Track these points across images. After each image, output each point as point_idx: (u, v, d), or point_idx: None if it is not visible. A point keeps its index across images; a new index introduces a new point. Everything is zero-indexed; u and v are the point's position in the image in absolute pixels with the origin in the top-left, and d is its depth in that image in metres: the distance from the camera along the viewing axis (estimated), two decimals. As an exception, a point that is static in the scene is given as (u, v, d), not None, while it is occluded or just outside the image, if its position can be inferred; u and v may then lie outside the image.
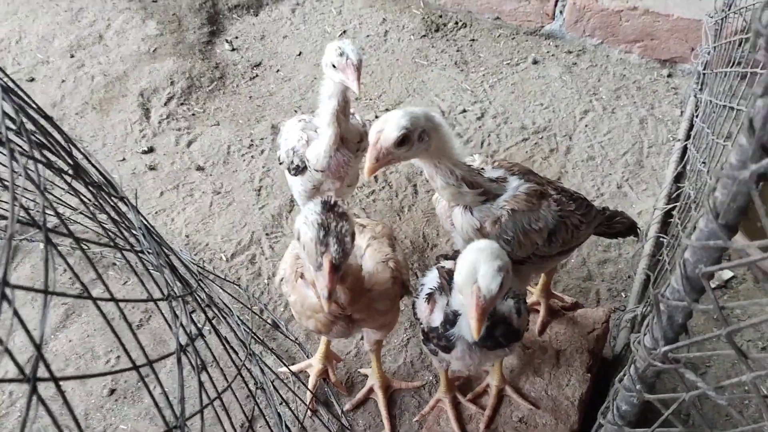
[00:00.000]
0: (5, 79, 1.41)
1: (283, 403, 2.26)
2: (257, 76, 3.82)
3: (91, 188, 1.46)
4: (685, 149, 3.06)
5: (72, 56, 3.84)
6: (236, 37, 4.07)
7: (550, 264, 2.13)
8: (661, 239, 2.61)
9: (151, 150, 3.33)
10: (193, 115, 3.55)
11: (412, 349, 2.49)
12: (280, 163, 2.44)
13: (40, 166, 1.21)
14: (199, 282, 1.89)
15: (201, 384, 1.39)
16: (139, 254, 1.56)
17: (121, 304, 2.40)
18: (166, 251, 1.79)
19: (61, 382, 2.30)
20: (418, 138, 1.63)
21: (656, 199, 2.93)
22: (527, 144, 3.30)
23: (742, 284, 2.66)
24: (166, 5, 4.18)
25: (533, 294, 2.40)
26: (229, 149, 3.34)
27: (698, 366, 2.39)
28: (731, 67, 2.50)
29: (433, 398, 2.18)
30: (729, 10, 2.90)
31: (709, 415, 2.21)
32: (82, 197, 1.44)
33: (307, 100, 3.62)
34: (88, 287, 2.75)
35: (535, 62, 3.77)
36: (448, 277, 1.64)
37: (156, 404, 1.18)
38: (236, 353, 1.80)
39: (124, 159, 3.29)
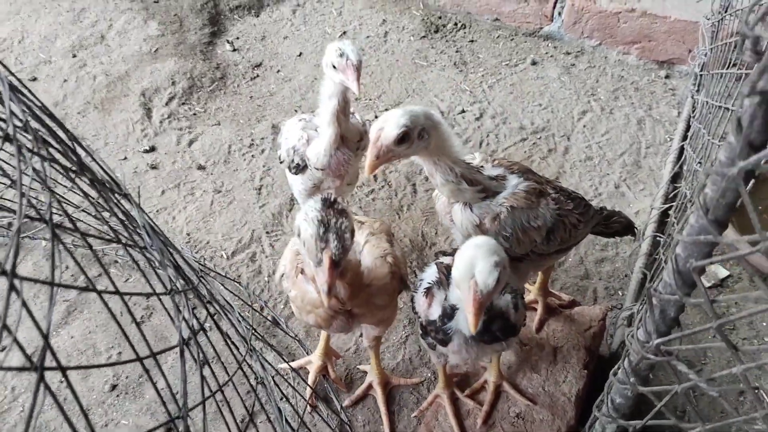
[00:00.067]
0: (10, 78, 1.44)
1: (284, 399, 2.29)
2: (258, 76, 3.85)
3: (95, 185, 1.49)
4: (682, 150, 3.08)
5: (74, 56, 3.87)
6: (237, 38, 4.09)
7: (548, 262, 2.16)
8: (657, 238, 2.64)
9: (152, 149, 3.36)
10: (194, 114, 3.57)
11: (411, 346, 2.52)
12: (281, 162, 2.47)
13: (45, 162, 1.24)
14: (201, 278, 1.92)
15: (203, 377, 1.41)
16: (143, 250, 1.58)
17: (121, 303, 2.44)
18: (169, 248, 1.81)
19: (62, 379, 2.33)
20: (417, 136, 1.65)
21: (653, 198, 2.96)
22: (526, 144, 3.33)
23: (737, 283, 2.68)
24: (168, 6, 4.21)
25: (531, 292, 2.42)
26: (229, 148, 3.37)
27: (694, 363, 2.41)
28: (727, 68, 2.53)
29: (431, 394, 2.20)
30: (725, 12, 2.93)
31: (705, 412, 2.23)
32: (87, 194, 1.46)
33: (308, 100, 3.64)
34: (86, 291, 2.78)
35: (533, 63, 3.80)
36: (446, 272, 1.66)
37: (159, 395, 1.21)
38: (237, 348, 1.82)
39: (125, 158, 3.31)
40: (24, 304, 0.96)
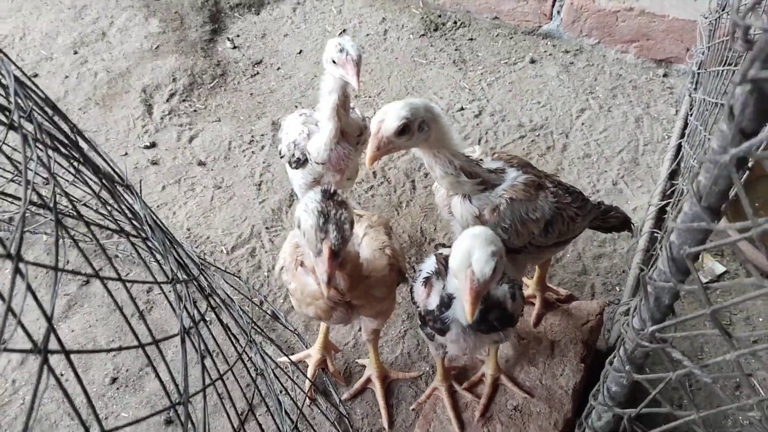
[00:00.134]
0: (15, 71, 1.46)
1: (283, 392, 2.30)
2: (258, 73, 3.87)
3: (98, 176, 1.50)
4: (679, 147, 3.10)
5: (75, 53, 3.88)
6: (238, 36, 4.11)
7: (546, 255, 2.17)
8: (655, 234, 2.66)
9: (153, 145, 3.38)
10: (195, 111, 3.59)
11: (409, 340, 2.53)
12: (281, 157, 2.48)
13: (49, 151, 1.25)
14: (202, 271, 1.93)
15: (203, 365, 1.43)
16: (146, 241, 1.60)
17: (123, 295, 2.45)
18: (170, 240, 1.83)
19: (62, 372, 2.36)
20: (417, 128, 1.67)
21: (651, 195, 2.98)
22: (524, 141, 3.35)
23: (735, 279, 2.70)
24: (169, 3, 4.23)
25: (529, 287, 2.44)
26: (230, 145, 3.39)
27: (691, 358, 2.43)
28: (724, 66, 2.55)
29: (429, 387, 2.22)
30: (723, 11, 2.95)
31: (702, 406, 2.25)
32: (90, 184, 1.48)
33: (308, 97, 3.66)
34: (90, 278, 2.80)
35: (532, 61, 3.82)
36: (444, 262, 1.68)
37: (160, 381, 1.22)
38: (237, 341, 1.84)
39: (126, 154, 3.33)
40: (29, 287, 0.97)
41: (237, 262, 2.85)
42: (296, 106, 3.60)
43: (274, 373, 2.17)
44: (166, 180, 3.20)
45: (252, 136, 3.43)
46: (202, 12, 4.19)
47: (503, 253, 1.47)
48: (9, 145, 1.68)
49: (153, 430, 2.32)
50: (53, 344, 0.99)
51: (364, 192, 3.13)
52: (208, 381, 1.46)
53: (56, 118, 1.58)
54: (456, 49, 3.95)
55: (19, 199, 1.19)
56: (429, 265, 1.79)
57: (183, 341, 1.32)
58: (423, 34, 4.06)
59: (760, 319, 2.58)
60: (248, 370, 1.82)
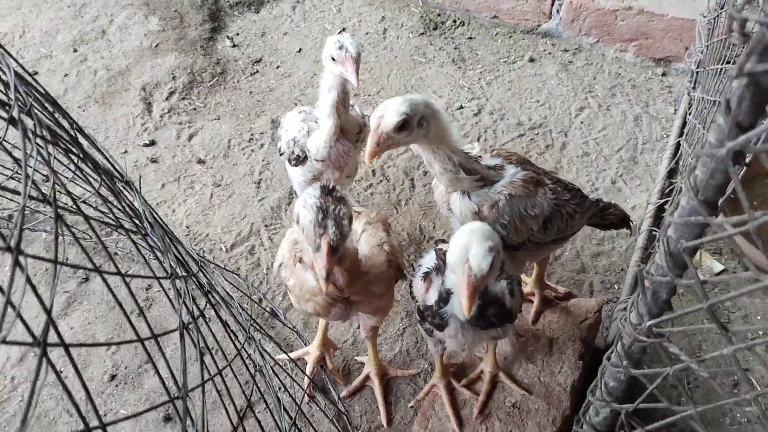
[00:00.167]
0: (16, 67, 1.46)
1: (282, 389, 2.31)
2: (257, 72, 3.87)
3: (98, 171, 1.51)
4: (678, 146, 3.11)
5: (75, 51, 3.89)
6: (237, 34, 4.11)
7: (545, 252, 2.18)
8: (654, 233, 2.66)
9: (152, 143, 3.38)
10: (194, 109, 3.59)
11: (408, 338, 2.54)
12: (281, 154, 2.49)
13: (49, 146, 1.26)
14: (201, 268, 1.94)
15: (202, 361, 1.43)
16: (145, 237, 1.60)
17: (122, 293, 2.45)
18: (170, 236, 1.83)
19: (61, 369, 2.36)
20: (417, 124, 1.68)
21: (649, 194, 2.98)
22: (523, 140, 3.35)
23: (732, 276, 2.70)
24: (169, 2, 4.23)
25: (528, 284, 2.44)
26: (229, 143, 3.39)
27: (688, 356, 2.43)
28: (722, 64, 2.55)
29: (428, 384, 2.22)
30: (721, 9, 2.95)
31: (700, 402, 2.25)
32: (90, 181, 1.48)
33: (307, 96, 3.66)
34: (89, 276, 2.80)
35: (531, 60, 3.83)
36: (444, 258, 1.69)
37: (159, 376, 1.22)
38: (236, 337, 1.84)
39: (126, 152, 3.33)
40: (28, 279, 0.98)
41: (236, 260, 2.86)
42: (295, 104, 3.60)
43: (273, 370, 2.17)
44: (166, 178, 3.21)
45: (251, 135, 3.44)
46: (202, 10, 4.19)
47: (500, 249, 1.47)
48: (9, 142, 1.69)
49: (152, 426, 2.32)
50: (53, 339, 0.99)
51: (363, 190, 3.13)
52: (207, 376, 1.46)
53: (56, 115, 1.59)
54: (455, 48, 3.95)
55: (19, 194, 1.19)
56: (428, 260, 1.79)
57: (182, 336, 1.32)
58: (422, 33, 4.07)
59: (758, 317, 2.58)
60: (247, 367, 1.83)
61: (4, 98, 1.31)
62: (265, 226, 2.98)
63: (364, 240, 1.80)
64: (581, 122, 3.44)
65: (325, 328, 2.37)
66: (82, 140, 1.61)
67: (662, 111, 3.49)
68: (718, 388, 1.19)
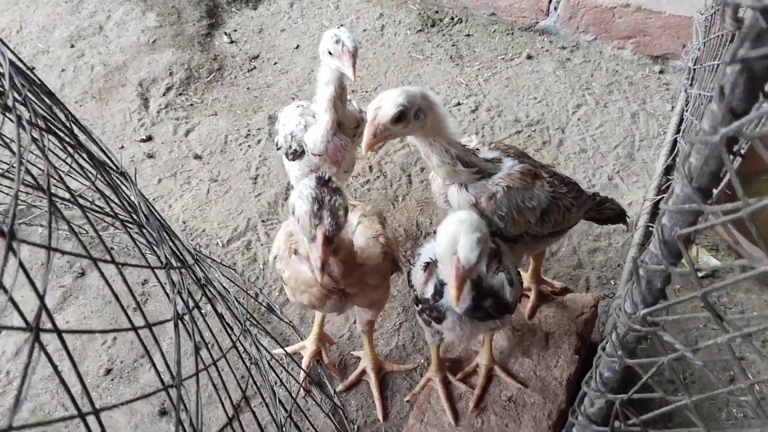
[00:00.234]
0: (12, 57, 1.46)
1: (278, 383, 2.30)
2: (255, 68, 3.87)
3: (93, 161, 1.50)
4: (675, 143, 3.11)
5: (72, 46, 3.88)
6: (235, 30, 4.11)
7: (542, 245, 2.18)
8: (650, 229, 2.66)
9: (149, 138, 3.37)
10: (192, 105, 3.59)
11: (404, 333, 2.54)
12: (278, 148, 2.49)
13: (44, 134, 1.25)
14: (197, 261, 1.94)
15: (197, 351, 1.43)
16: (141, 228, 1.60)
17: (118, 287, 2.45)
18: (165, 229, 1.83)
19: (57, 362, 2.34)
20: (414, 115, 1.68)
21: (646, 190, 2.98)
22: (520, 136, 3.35)
23: (729, 273, 2.71)
24: (166, -2, 4.23)
25: (524, 279, 2.44)
26: (226, 139, 3.39)
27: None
28: (719, 61, 2.55)
29: (423, 377, 2.22)
30: (719, 6, 2.96)
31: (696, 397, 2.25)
32: (86, 173, 1.48)
33: (304, 92, 3.66)
34: (85, 270, 2.80)
35: (529, 57, 3.83)
36: None
37: (154, 366, 1.22)
38: (232, 330, 1.84)
39: (122, 147, 3.33)
40: (21, 265, 0.97)
41: (232, 255, 2.85)
42: (293, 99, 3.60)
43: (269, 363, 2.17)
44: (162, 173, 3.20)
45: (248, 130, 3.43)
46: (199, 6, 4.18)
47: (488, 239, 1.48)
48: (6, 137, 1.69)
49: (147, 420, 2.32)
50: (49, 331, 0.99)
51: (360, 186, 3.13)
52: (202, 367, 1.46)
53: (54, 109, 1.58)
54: (453, 45, 3.95)
55: (11, 179, 1.19)
56: (429, 249, 1.79)
57: (176, 326, 1.32)
58: (420, 30, 4.07)
59: (755, 313, 2.59)
60: (243, 360, 1.83)
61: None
62: (262, 221, 2.98)
63: (360, 232, 1.80)
64: (578, 119, 3.45)
65: (321, 323, 2.37)
66: (78, 133, 1.61)
67: (659, 108, 3.49)
68: (713, 377, 1.19)
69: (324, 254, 1.48)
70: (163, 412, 2.34)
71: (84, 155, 1.52)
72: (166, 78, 3.69)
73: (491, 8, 4.05)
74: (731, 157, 0.93)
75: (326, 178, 1.55)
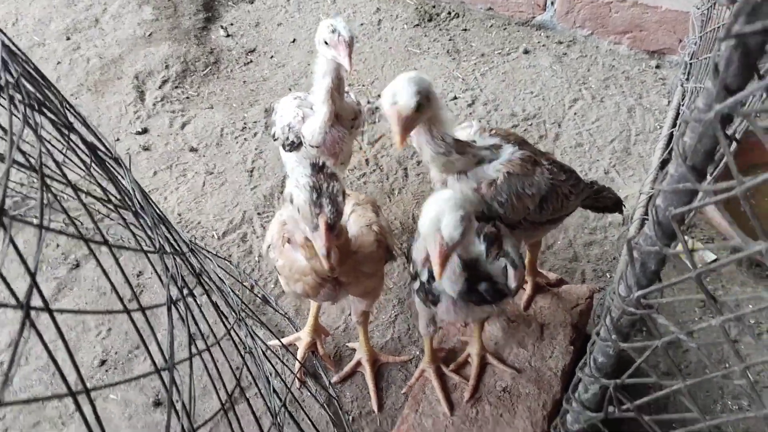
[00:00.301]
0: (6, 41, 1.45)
1: (273, 374, 2.30)
2: (251, 61, 3.86)
3: (86, 144, 1.50)
4: (671, 137, 3.11)
5: (68, 39, 3.87)
6: (231, 24, 4.10)
7: (540, 233, 2.17)
8: (645, 221, 2.66)
9: (145, 131, 3.36)
10: (188, 98, 3.58)
11: (400, 325, 2.53)
12: (275, 139, 2.48)
13: (36, 114, 1.25)
14: (192, 251, 1.93)
15: (190, 336, 1.42)
16: (136, 215, 1.59)
17: (113, 279, 2.44)
18: (161, 216, 1.82)
19: (52, 349, 2.31)
20: (426, 99, 1.69)
21: (642, 184, 2.98)
22: (517, 130, 3.35)
23: (725, 267, 2.71)
24: (162, -9, 4.22)
25: (520, 271, 2.44)
26: (222, 132, 3.38)
27: (681, 344, 2.44)
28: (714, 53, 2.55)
29: (417, 369, 2.22)
30: (715, 0, 2.96)
31: (691, 389, 2.25)
32: (79, 166, 1.47)
33: (301, 86, 3.65)
34: (80, 262, 2.78)
35: (526, 52, 3.83)
36: None
37: (146, 346, 1.21)
38: (227, 318, 1.83)
39: (118, 139, 3.32)
40: (12, 241, 0.97)
41: (228, 248, 2.85)
42: (290, 91, 3.59)
43: (264, 354, 2.16)
44: (158, 166, 3.19)
45: (245, 123, 3.43)
46: (196, 0, 4.17)
47: (472, 217, 1.48)
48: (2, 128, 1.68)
49: (141, 411, 2.31)
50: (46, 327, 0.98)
51: (356, 179, 3.13)
52: (195, 353, 1.45)
53: (47, 93, 1.57)
54: (450, 39, 3.95)
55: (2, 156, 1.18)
56: None
57: (169, 309, 1.32)
58: (417, 24, 4.06)
59: (750, 306, 2.59)
60: (238, 350, 1.82)
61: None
62: (258, 213, 2.98)
63: (353, 221, 1.80)
64: (575, 113, 3.45)
65: (316, 314, 2.37)
66: (72, 121, 1.60)
67: (656, 103, 3.50)
68: (707, 360, 1.19)
69: (328, 241, 1.48)
70: (157, 403, 2.33)
71: (77, 140, 1.51)
72: (162, 71, 3.68)
73: (488, 3, 4.05)
74: (727, 141, 0.93)
75: (321, 164, 1.55)
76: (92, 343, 2.50)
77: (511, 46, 3.89)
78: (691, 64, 3.20)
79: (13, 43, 1.56)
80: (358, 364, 2.37)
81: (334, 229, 1.52)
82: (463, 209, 1.44)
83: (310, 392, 2.29)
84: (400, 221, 2.93)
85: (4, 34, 1.46)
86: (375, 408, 2.27)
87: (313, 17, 4.14)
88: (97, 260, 1.18)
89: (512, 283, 1.67)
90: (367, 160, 3.20)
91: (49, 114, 1.39)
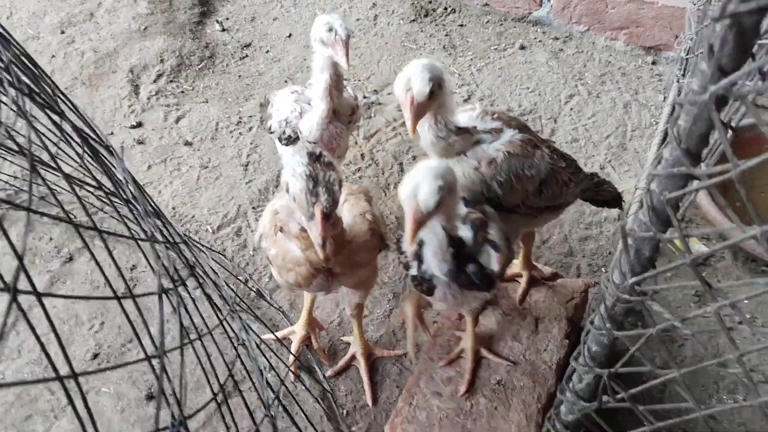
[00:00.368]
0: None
1: (267, 367, 2.28)
2: (247, 56, 3.84)
3: (77, 132, 1.48)
4: (667, 132, 3.11)
5: (62, 32, 3.85)
6: (227, 18, 4.09)
7: (537, 221, 2.14)
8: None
9: (139, 125, 3.35)
10: (182, 92, 3.56)
11: (395, 319, 2.52)
12: (271, 132, 2.47)
13: (24, 96, 1.23)
14: (186, 242, 1.91)
15: (181, 324, 1.41)
16: (128, 203, 1.58)
17: (106, 273, 2.42)
18: (154, 207, 1.81)
19: (44, 342, 2.30)
20: (438, 85, 1.68)
21: (638, 179, 2.98)
22: (513, 126, 3.35)
23: (720, 261, 2.71)
24: (158, -15, 4.20)
25: (516, 265, 2.43)
26: (217, 126, 3.36)
27: (676, 339, 2.43)
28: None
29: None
30: (712, -5, 2.96)
31: (687, 380, 2.25)
32: (72, 158, 1.46)
33: (296, 81, 3.64)
34: (74, 256, 2.77)
35: (522, 48, 3.82)
36: None
37: (136, 334, 1.20)
38: (220, 310, 1.82)
39: (112, 133, 3.30)
40: (3, 230, 0.95)
41: (222, 242, 2.83)
42: (286, 82, 3.58)
43: (258, 347, 2.15)
44: (152, 159, 3.18)
45: (240, 118, 3.41)
46: (192, -5, 4.16)
47: (454, 189, 1.48)
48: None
49: (134, 404, 2.30)
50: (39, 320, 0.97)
51: (352, 174, 3.11)
52: (187, 341, 1.44)
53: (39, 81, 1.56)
54: (446, 35, 3.94)
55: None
56: None
57: (160, 297, 1.30)
58: (413, 20, 4.05)
59: (746, 302, 2.59)
60: (232, 342, 1.81)
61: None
62: (253, 208, 2.96)
63: (347, 210, 1.79)
64: (571, 109, 3.44)
65: (311, 308, 2.36)
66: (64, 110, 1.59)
67: (652, 99, 3.49)
68: (701, 347, 1.18)
69: (324, 231, 1.47)
70: (150, 397, 2.32)
71: (70, 130, 1.50)
72: (156, 65, 3.66)
73: (485, -1, 4.05)
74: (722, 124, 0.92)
75: (317, 153, 1.54)
76: (85, 336, 2.48)
77: (507, 42, 3.88)
78: (687, 60, 3.19)
79: (6, 31, 1.54)
80: (353, 357, 2.36)
81: (330, 218, 1.51)
82: (442, 179, 1.43)
83: (305, 386, 2.28)
84: (396, 216, 2.92)
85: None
86: (369, 402, 2.26)
87: (309, 12, 4.13)
88: (90, 252, 1.16)
89: (495, 266, 1.66)
90: (362, 155, 3.19)
91: (39, 99, 1.37)
